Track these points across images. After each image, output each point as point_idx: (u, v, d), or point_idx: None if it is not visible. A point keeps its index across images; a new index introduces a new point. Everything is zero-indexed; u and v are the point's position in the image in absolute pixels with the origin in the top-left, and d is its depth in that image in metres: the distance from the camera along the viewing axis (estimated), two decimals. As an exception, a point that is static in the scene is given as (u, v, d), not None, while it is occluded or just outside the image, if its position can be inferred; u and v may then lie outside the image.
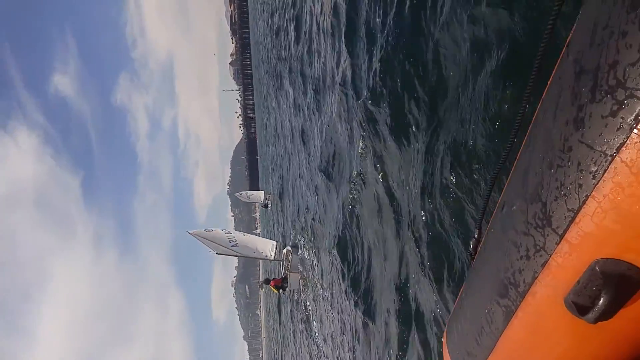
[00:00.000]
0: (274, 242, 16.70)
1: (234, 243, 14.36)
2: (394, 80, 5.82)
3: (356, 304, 7.76)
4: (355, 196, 8.00)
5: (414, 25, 5.15)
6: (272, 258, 15.78)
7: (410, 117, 5.22)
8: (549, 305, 0.98)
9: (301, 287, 14.74)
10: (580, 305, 0.87)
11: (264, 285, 18.05)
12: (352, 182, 8.07)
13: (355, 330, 7.97)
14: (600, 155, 0.77)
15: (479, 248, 1.45)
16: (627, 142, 0.72)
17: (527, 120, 1.11)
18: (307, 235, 13.53)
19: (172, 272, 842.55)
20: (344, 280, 8.59)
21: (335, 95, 9.22)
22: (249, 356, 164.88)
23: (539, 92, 1.01)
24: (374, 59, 6.61)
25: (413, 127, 5.16)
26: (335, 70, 9.33)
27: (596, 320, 0.84)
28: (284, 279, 15.51)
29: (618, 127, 0.73)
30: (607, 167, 0.76)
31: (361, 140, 7.37)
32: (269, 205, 29.21)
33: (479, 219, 1.53)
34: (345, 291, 8.32)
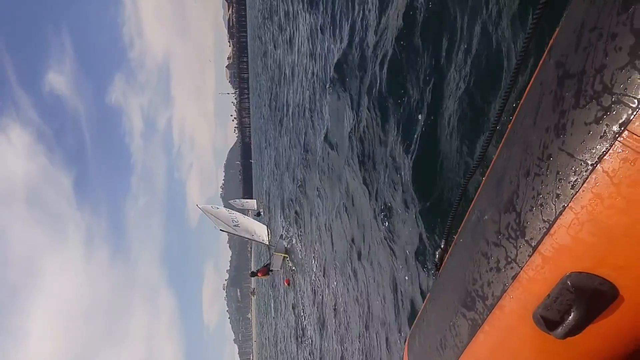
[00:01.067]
0: (266, 227, 18.26)
1: (236, 223, 15.63)
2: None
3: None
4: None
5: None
6: (267, 243, 17.03)
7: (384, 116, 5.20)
8: (517, 320, 0.94)
9: (285, 266, 15.67)
10: (548, 320, 0.84)
11: (252, 276, 19.52)
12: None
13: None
14: (581, 164, 0.73)
15: (445, 258, 1.41)
16: (610, 150, 0.68)
17: (503, 126, 1.07)
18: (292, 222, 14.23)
19: (163, 273, 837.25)
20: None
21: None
22: (239, 359, 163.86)
23: (517, 98, 0.98)
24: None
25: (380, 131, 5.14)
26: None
27: (565, 335, 0.81)
28: (268, 265, 16.48)
29: (602, 134, 0.69)
30: (587, 177, 0.72)
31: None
32: (262, 214, 29.45)
33: (446, 228, 1.48)
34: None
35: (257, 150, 41.34)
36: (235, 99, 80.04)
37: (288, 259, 15.31)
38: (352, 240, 7.22)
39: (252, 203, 32.46)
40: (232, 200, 34.32)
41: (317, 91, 10.06)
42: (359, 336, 6.77)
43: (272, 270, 16.74)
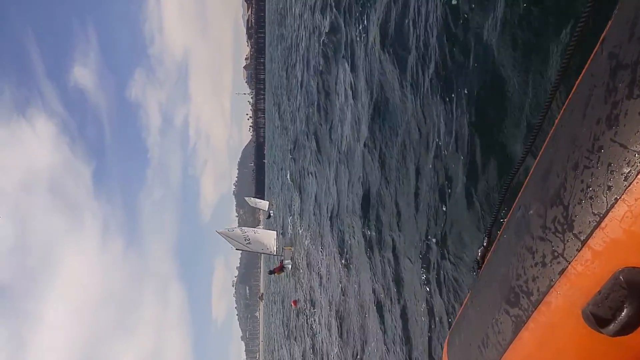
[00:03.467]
0: (275, 233, 21.06)
1: (248, 241, 18.78)
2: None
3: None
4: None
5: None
6: (275, 253, 19.66)
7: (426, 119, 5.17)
8: (565, 317, 0.90)
9: (293, 260, 18.19)
10: (599, 317, 0.80)
11: (270, 274, 22.19)
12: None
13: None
14: (635, 155, 0.70)
15: (488, 256, 1.35)
16: None
17: (549, 124, 1.04)
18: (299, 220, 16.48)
19: (174, 266, 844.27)
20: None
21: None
22: (245, 357, 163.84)
23: (566, 93, 0.96)
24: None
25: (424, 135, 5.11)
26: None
27: (616, 333, 0.77)
28: (282, 260, 19.21)
29: None
30: None
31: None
32: (271, 215, 29.94)
33: (489, 225, 1.42)
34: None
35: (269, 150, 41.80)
36: (252, 98, 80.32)
37: (293, 250, 17.88)
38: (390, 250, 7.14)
39: (264, 204, 33.66)
40: (247, 197, 37.05)
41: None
42: (394, 337, 6.72)
43: (284, 267, 19.19)
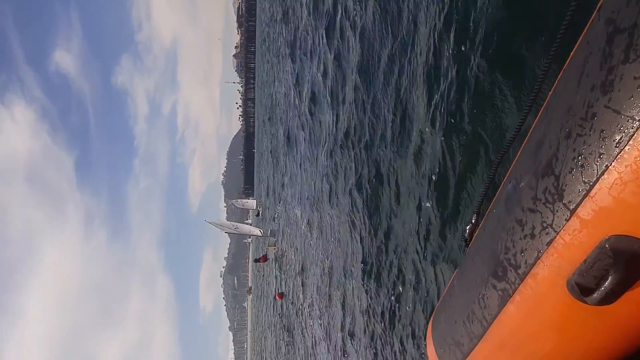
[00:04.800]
0: (259, 229, 25.34)
1: (236, 227, 24.62)
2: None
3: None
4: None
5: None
6: (262, 234, 24.19)
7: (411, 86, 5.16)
8: (550, 288, 0.88)
9: (276, 255, 20.89)
10: (583, 287, 0.78)
11: (256, 262, 26.23)
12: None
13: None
14: (628, 121, 0.67)
15: (476, 232, 1.32)
16: None
17: (542, 99, 1.01)
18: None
19: (161, 257, 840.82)
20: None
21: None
22: (233, 347, 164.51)
23: (559, 67, 0.92)
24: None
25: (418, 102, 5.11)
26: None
27: (599, 302, 0.76)
28: (266, 254, 23.43)
29: None
30: (634, 134, 0.66)
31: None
32: (260, 213, 30.07)
33: (478, 202, 1.39)
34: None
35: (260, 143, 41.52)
36: (242, 87, 79.43)
37: (277, 249, 20.58)
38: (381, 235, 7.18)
39: (252, 203, 34.50)
40: (234, 201, 38.50)
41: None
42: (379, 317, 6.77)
43: (268, 259, 23.17)
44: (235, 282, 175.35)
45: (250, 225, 28.67)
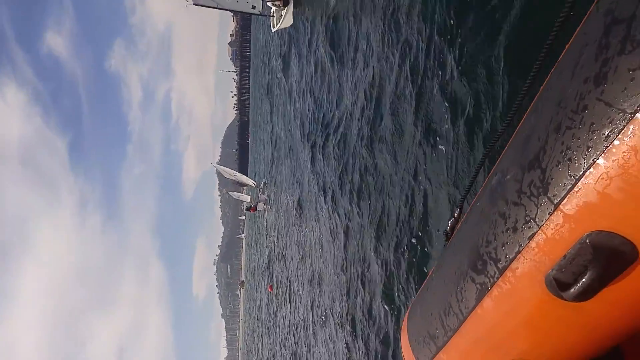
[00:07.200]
0: (253, 181, 29.10)
1: (236, 175, 28.25)
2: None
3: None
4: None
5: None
6: (254, 185, 28.29)
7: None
8: (528, 282, 0.86)
9: (265, 210, 25.20)
10: (561, 282, 0.77)
11: (247, 210, 30.94)
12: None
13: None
14: (618, 114, 0.65)
15: (458, 226, 1.29)
16: None
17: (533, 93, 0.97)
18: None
19: (155, 243, 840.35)
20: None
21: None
22: (225, 334, 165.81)
23: (554, 59, 0.89)
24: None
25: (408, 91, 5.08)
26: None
27: (576, 298, 0.75)
28: (256, 206, 26.43)
29: None
30: (624, 127, 0.64)
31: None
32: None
33: (461, 196, 1.37)
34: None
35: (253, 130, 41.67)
36: (237, 75, 78.61)
37: (267, 203, 24.34)
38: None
39: (246, 198, 35.76)
40: (230, 191, 40.47)
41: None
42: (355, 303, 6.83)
43: (258, 210, 26.67)
44: (229, 270, 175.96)
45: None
